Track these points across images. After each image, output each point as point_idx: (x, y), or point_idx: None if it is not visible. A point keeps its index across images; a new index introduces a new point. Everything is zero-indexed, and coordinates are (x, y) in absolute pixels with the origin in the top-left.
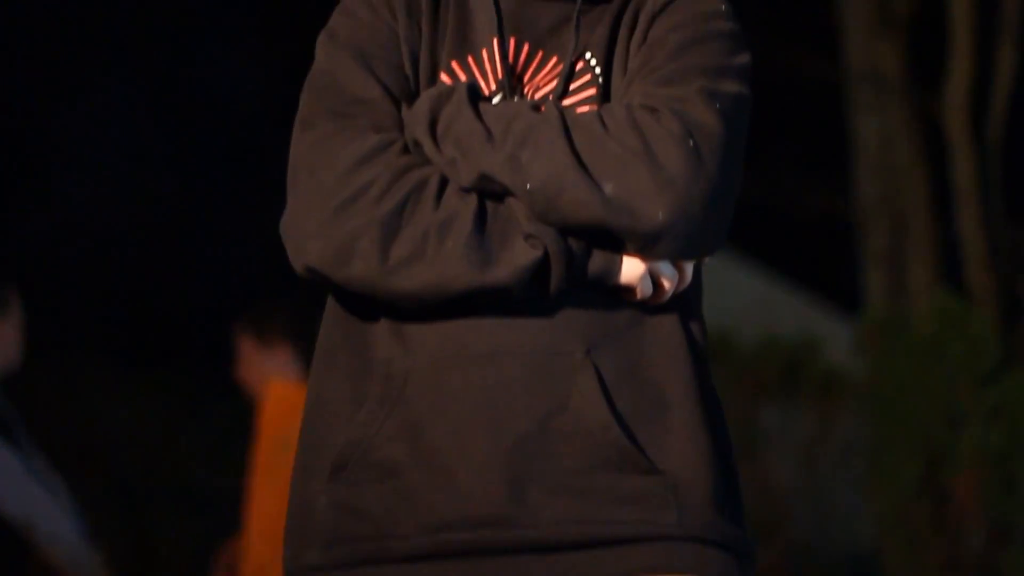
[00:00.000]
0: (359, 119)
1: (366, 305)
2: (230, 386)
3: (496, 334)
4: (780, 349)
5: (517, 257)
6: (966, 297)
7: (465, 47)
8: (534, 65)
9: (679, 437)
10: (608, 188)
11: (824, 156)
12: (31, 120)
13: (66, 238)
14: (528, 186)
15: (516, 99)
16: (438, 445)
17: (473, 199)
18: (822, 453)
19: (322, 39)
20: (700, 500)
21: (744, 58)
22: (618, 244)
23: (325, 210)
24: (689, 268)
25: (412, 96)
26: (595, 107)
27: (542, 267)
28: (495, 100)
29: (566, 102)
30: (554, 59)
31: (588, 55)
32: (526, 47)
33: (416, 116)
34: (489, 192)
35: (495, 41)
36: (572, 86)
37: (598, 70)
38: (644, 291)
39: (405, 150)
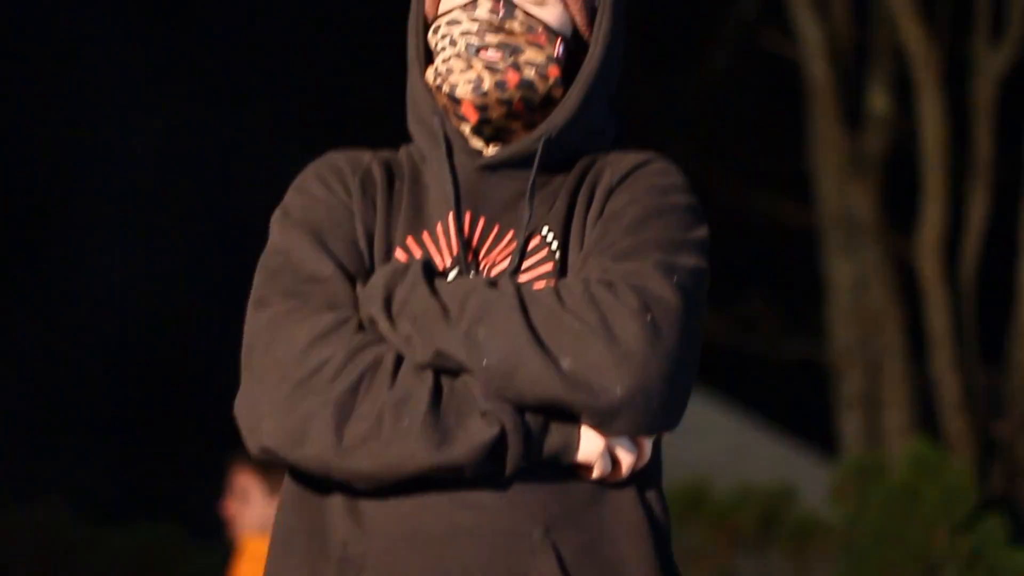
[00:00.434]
0: (313, 298)
1: (322, 485)
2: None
3: (453, 514)
4: (756, 498)
5: (473, 436)
6: (942, 441)
7: (420, 222)
8: (490, 240)
9: None
10: (565, 363)
11: (799, 300)
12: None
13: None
14: (485, 362)
15: (472, 275)
16: None
17: (429, 377)
18: None
19: (276, 216)
20: None
21: (702, 232)
22: (576, 420)
23: (280, 390)
24: (648, 444)
25: (367, 273)
26: (552, 282)
27: (499, 445)
28: (450, 276)
29: (522, 277)
30: (510, 234)
31: (544, 229)
32: (482, 221)
33: (371, 294)
34: (445, 369)
35: (451, 216)
36: (528, 261)
37: (554, 245)
38: (603, 468)
39: (360, 328)
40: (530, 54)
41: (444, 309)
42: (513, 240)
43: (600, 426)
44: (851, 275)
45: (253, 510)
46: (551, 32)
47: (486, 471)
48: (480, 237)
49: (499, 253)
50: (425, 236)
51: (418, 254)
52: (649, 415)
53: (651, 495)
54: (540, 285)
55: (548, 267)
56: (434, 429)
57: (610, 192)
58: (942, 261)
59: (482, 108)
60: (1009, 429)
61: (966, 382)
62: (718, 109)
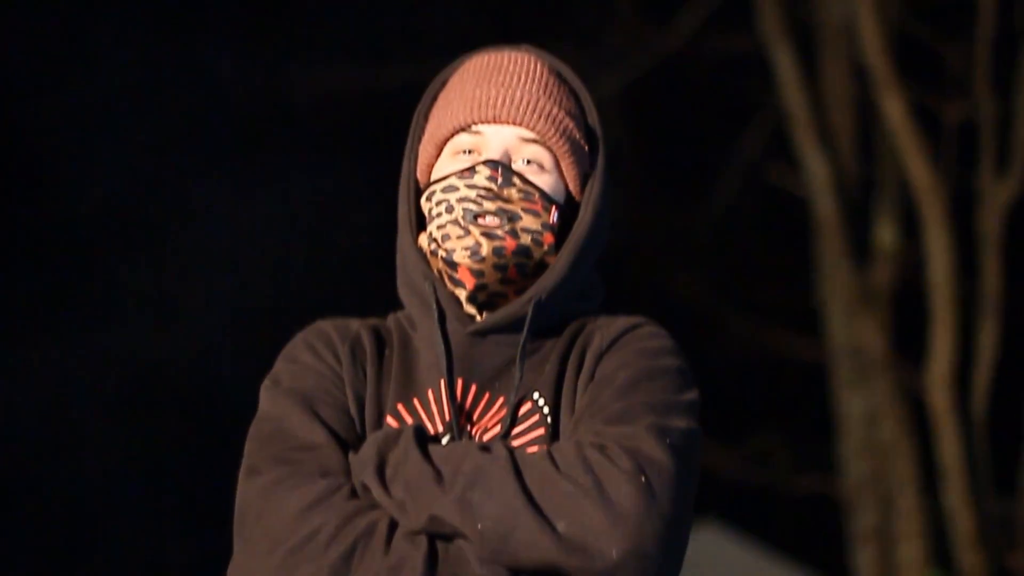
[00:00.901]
0: (306, 465)
1: None
2: None
3: None
4: None
5: None
6: (957, 574)
7: (410, 389)
8: (481, 406)
9: None
10: (560, 526)
11: (811, 434)
12: None
13: None
14: (479, 527)
15: (464, 440)
16: None
17: (423, 542)
18: None
19: (266, 385)
20: None
21: (692, 394)
22: None
23: (273, 558)
24: None
25: (358, 439)
26: (544, 447)
27: None
28: (443, 442)
29: (514, 442)
30: (501, 399)
31: (536, 395)
32: (473, 388)
33: (363, 460)
34: (440, 534)
35: (442, 383)
36: (520, 426)
37: (546, 410)
38: None
39: (353, 494)
40: (527, 221)
41: (437, 474)
42: (504, 406)
43: None
44: (862, 408)
45: None
46: (547, 199)
47: None
48: (472, 403)
49: (490, 419)
50: (416, 403)
51: (409, 421)
52: None
53: None
54: (533, 450)
55: (540, 432)
56: None
57: (600, 356)
58: (953, 393)
59: (479, 274)
60: None
61: (980, 514)
62: (727, 244)
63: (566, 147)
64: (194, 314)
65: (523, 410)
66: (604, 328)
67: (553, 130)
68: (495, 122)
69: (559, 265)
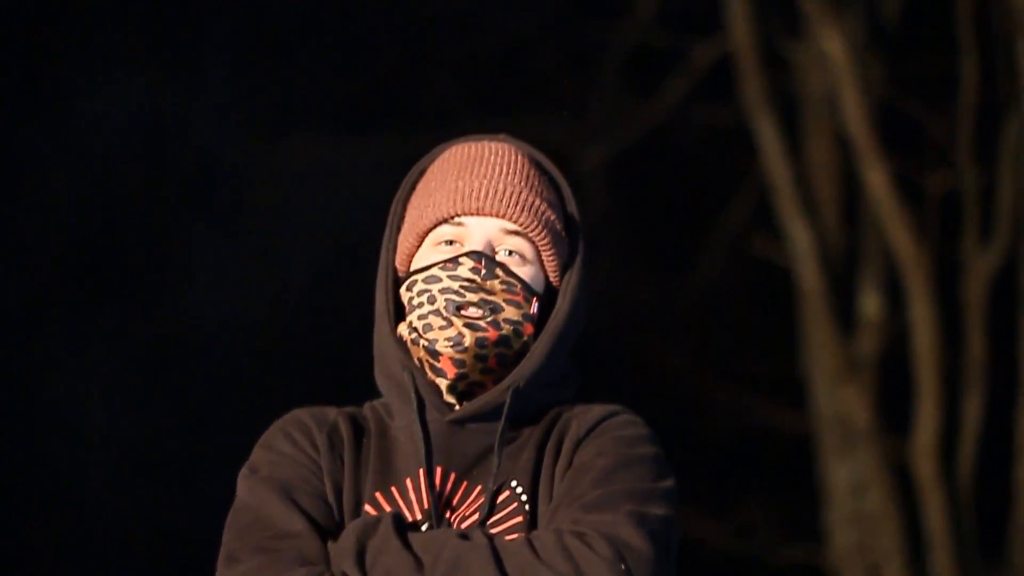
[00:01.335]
0: (285, 553)
1: None
2: None
3: None
4: None
5: None
6: None
7: (388, 477)
8: (459, 494)
9: None
10: None
11: (797, 505)
12: None
13: None
14: None
15: (443, 527)
16: None
17: None
18: None
19: (243, 474)
20: None
21: (669, 482)
22: None
23: None
24: None
25: (337, 528)
26: (523, 535)
27: None
28: (422, 529)
29: (493, 530)
30: (478, 488)
31: (514, 483)
32: (452, 476)
33: (343, 548)
34: None
35: (421, 472)
36: (499, 514)
37: (524, 497)
38: None
39: None
40: (509, 312)
41: (417, 562)
42: (482, 493)
43: None
44: (848, 478)
45: None
46: (528, 290)
47: None
48: (450, 491)
49: (468, 507)
50: (394, 491)
51: (388, 509)
52: None
53: None
54: (511, 538)
55: (518, 519)
56: None
57: (578, 444)
58: (938, 462)
59: (461, 364)
60: None
61: None
62: (711, 315)
63: (548, 239)
64: (181, 388)
65: (501, 498)
66: (581, 416)
67: (535, 222)
68: (478, 214)
69: (537, 354)
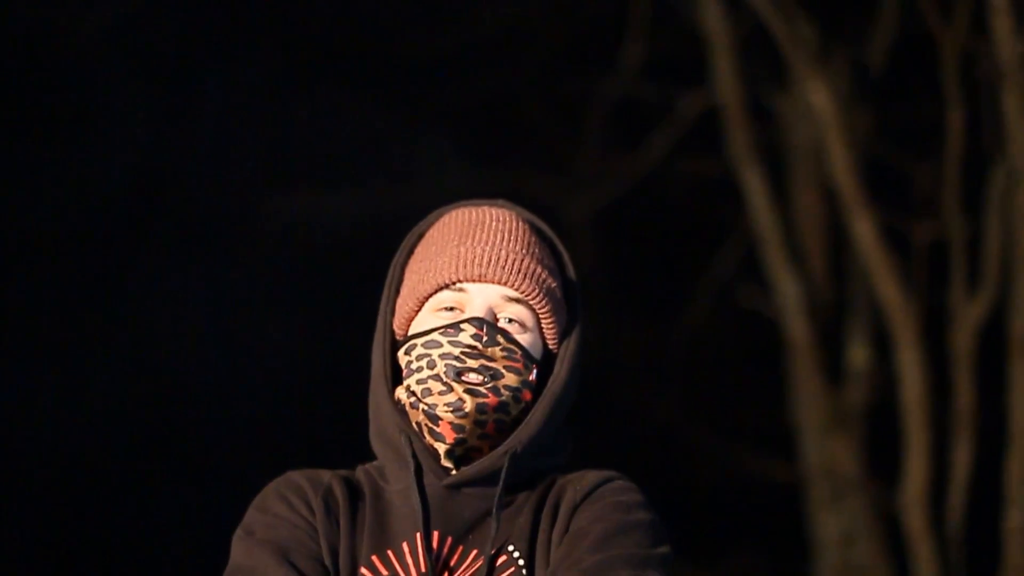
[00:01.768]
0: None
1: None
2: None
3: None
4: None
5: None
6: None
7: (385, 541)
8: (455, 558)
9: None
10: None
11: (785, 556)
12: None
13: None
14: None
15: None
16: None
17: None
18: None
19: (238, 535)
20: None
21: (665, 548)
22: None
23: None
24: None
25: None
26: None
27: None
28: None
29: None
30: (475, 552)
31: (511, 548)
32: (449, 541)
33: None
34: None
35: (418, 536)
36: None
37: (521, 562)
38: None
39: None
40: (509, 379)
41: None
42: (479, 558)
43: None
44: (837, 529)
45: None
46: (528, 357)
47: None
48: (447, 556)
49: (465, 571)
50: (390, 555)
51: (384, 573)
52: None
53: None
54: None
55: None
56: None
57: (574, 509)
58: (927, 512)
59: (460, 429)
60: None
61: None
62: (698, 366)
63: (548, 306)
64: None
65: (499, 562)
66: (577, 481)
67: (536, 289)
68: (480, 280)
69: (534, 420)
